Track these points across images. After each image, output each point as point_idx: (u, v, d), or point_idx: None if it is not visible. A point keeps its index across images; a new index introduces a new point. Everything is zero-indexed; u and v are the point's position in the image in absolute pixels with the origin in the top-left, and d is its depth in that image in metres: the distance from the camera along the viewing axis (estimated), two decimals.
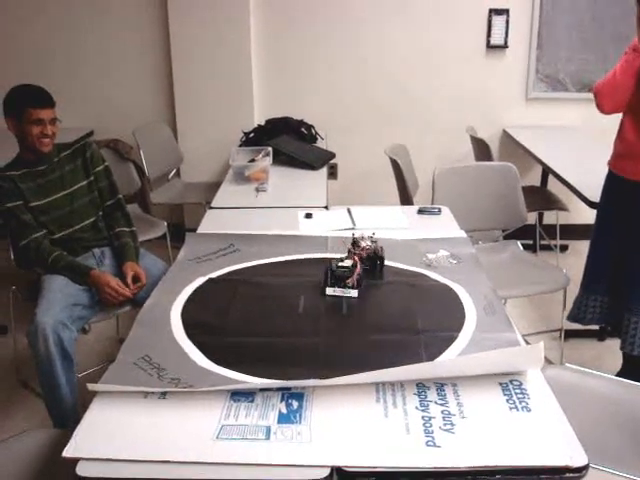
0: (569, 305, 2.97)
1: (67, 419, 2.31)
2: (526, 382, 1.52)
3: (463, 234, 2.44)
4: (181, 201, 4.21)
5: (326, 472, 1.24)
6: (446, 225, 2.58)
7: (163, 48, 4.30)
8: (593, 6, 4.22)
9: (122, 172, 3.72)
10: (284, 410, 1.41)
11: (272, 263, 2.16)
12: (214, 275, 2.06)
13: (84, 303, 2.44)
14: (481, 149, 3.95)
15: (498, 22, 4.21)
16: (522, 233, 3.47)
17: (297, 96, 4.41)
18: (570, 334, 3.26)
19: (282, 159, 3.45)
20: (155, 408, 1.42)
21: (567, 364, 2.18)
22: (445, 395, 1.47)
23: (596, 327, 3.34)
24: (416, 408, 1.42)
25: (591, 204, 2.91)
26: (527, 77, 4.40)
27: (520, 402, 1.44)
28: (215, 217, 2.69)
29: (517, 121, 4.48)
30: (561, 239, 4.39)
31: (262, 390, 1.47)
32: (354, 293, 1.89)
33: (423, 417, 1.39)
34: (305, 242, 2.31)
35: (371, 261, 2.06)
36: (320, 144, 3.96)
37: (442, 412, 1.41)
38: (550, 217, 4.46)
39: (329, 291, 1.90)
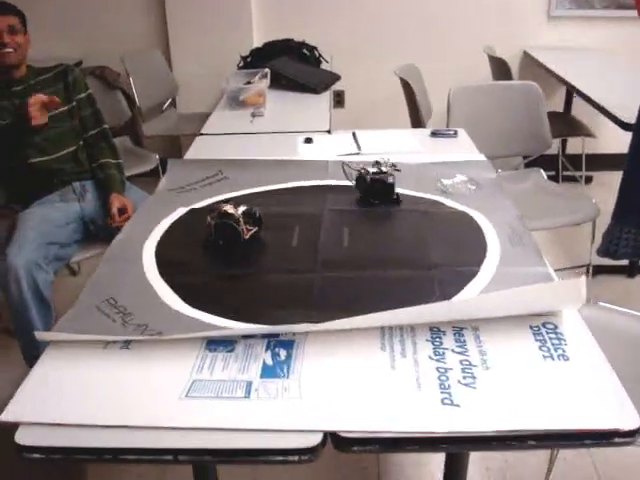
0: (598, 239, 2.69)
1: None
2: (561, 325, 1.26)
3: (482, 157, 2.16)
4: (176, 132, 3.93)
5: (318, 438, 0.99)
6: (463, 148, 2.30)
7: None
8: None
9: (110, 101, 3.45)
10: (269, 361, 1.16)
11: (264, 192, 1.88)
12: (197, 206, 1.80)
13: (61, 241, 2.22)
14: (500, 70, 3.61)
15: None
16: (543, 163, 3.19)
17: (300, 16, 4.06)
18: (597, 270, 2.99)
19: (282, 83, 3.15)
20: (115, 360, 1.18)
21: (600, 303, 1.94)
22: (464, 342, 1.21)
23: (626, 262, 3.08)
24: (429, 357, 1.17)
25: (625, 126, 2.59)
26: None
27: (556, 349, 1.18)
28: (204, 144, 2.42)
29: (538, 41, 4.13)
30: (585, 170, 4.09)
31: (244, 337, 1.22)
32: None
33: (438, 368, 1.14)
34: (302, 168, 2.04)
35: (377, 191, 1.79)
36: (325, 68, 3.63)
37: (461, 362, 1.15)
38: (573, 147, 4.15)
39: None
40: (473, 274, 1.42)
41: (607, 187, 4.16)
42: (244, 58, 3.63)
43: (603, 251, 2.63)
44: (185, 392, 1.08)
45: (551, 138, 2.86)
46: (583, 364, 1.14)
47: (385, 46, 4.13)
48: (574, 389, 1.08)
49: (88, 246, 2.33)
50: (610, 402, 1.04)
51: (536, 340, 1.21)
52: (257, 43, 4.00)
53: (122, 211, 2.29)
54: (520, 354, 1.18)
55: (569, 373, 1.12)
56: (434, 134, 2.41)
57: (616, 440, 1.00)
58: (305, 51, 3.57)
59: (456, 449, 1.04)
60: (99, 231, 2.37)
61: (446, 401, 1.06)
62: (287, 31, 3.93)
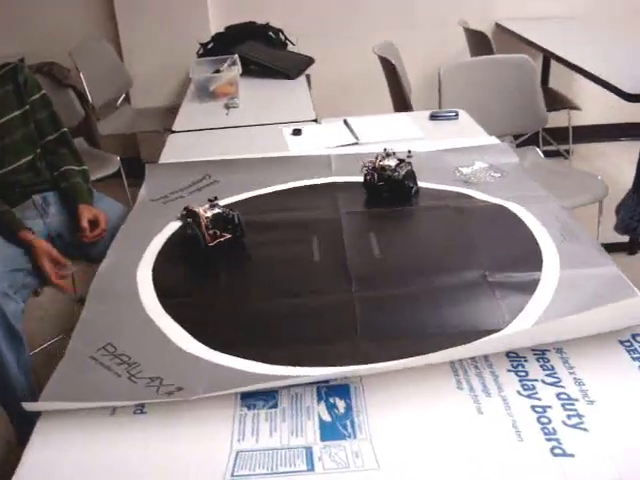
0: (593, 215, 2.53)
1: (24, 410, 1.85)
2: None
3: (495, 140, 1.95)
4: (134, 130, 3.62)
5: None
6: (469, 131, 2.09)
7: None
8: None
9: (61, 101, 3.11)
10: (326, 417, 0.93)
11: (265, 195, 1.64)
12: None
13: (28, 268, 1.93)
14: (479, 44, 3.42)
15: None
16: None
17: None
18: None
19: (250, 69, 2.89)
20: (129, 431, 0.94)
21: None
22: (553, 368, 1.00)
23: (627, 239, 2.94)
24: (519, 393, 0.96)
25: (629, 97, 2.43)
26: None
27: None
28: (179, 143, 2.16)
29: (510, 12, 3.93)
30: (562, 143, 3.95)
31: (287, 386, 0.99)
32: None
33: (534, 408, 0.93)
34: (301, 165, 1.80)
35: (391, 185, 1.56)
36: (291, 50, 3.38)
37: (558, 396, 0.95)
38: (553, 120, 3.99)
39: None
40: (535, 281, 1.21)
41: (588, 160, 4.04)
42: (204, 45, 3.34)
43: (623, 228, 2.45)
44: (230, 470, 0.85)
45: (546, 114, 2.69)
46: None
47: (352, 24, 3.87)
48: None
49: (57, 266, 2.04)
50: None
51: (633, 359, 1.02)
52: (214, 28, 3.70)
53: (93, 224, 2.01)
54: (621, 378, 0.99)
55: None
56: (433, 117, 2.20)
57: None
58: (271, 34, 3.30)
59: None
60: (67, 248, 2.08)
61: (556, 450, 0.85)
62: (245, 14, 3.65)
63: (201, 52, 3.34)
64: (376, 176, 1.56)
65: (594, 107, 3.89)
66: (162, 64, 3.74)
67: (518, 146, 2.91)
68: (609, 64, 2.88)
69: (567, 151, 3.89)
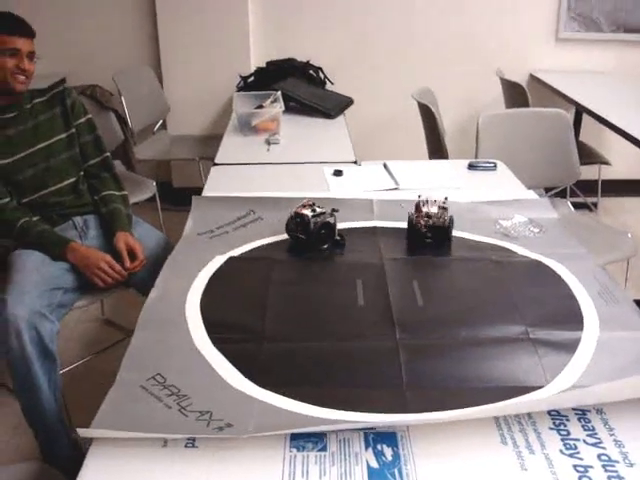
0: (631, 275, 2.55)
1: (50, 431, 1.88)
2: None
3: (534, 194, 1.99)
4: (169, 157, 3.69)
5: None
6: (506, 183, 2.13)
7: None
8: None
9: (102, 123, 3.17)
10: (374, 463, 0.96)
11: None
12: (235, 253, 1.58)
13: (66, 286, 1.96)
14: (514, 94, 3.47)
15: None
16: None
17: (301, 35, 3.84)
18: None
19: (291, 106, 2.95)
20: (181, 464, 0.96)
21: None
22: (594, 429, 1.03)
23: None
24: (561, 452, 0.98)
25: None
26: (558, 15, 3.89)
27: None
28: (222, 175, 2.21)
29: (546, 64, 3.99)
30: (589, 196, 3.97)
31: (335, 431, 1.01)
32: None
33: (576, 467, 0.95)
34: (345, 207, 1.83)
35: (435, 232, 1.60)
36: (330, 89, 3.44)
37: (599, 457, 0.97)
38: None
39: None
40: (576, 341, 1.24)
41: (613, 213, 4.06)
42: (245, 78, 3.42)
43: None
44: None
45: (579, 168, 2.72)
46: None
47: (391, 67, 3.95)
48: None
49: (93, 290, 2.08)
50: None
51: None
52: (255, 62, 3.78)
53: (130, 253, 2.05)
54: None
55: None
56: (472, 167, 2.24)
57: None
58: (311, 72, 3.37)
59: None
60: None
61: None
62: (287, 50, 3.74)
63: (241, 85, 3.41)
64: (422, 222, 1.60)
65: (623, 162, 3.93)
66: (200, 93, 3.83)
67: (549, 197, 2.93)
68: (637, 119, 2.92)
69: (594, 204, 3.91)
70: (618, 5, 3.91)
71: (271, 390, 1.10)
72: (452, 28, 3.89)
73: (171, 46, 3.77)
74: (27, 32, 2.00)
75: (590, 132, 3.90)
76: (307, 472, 0.94)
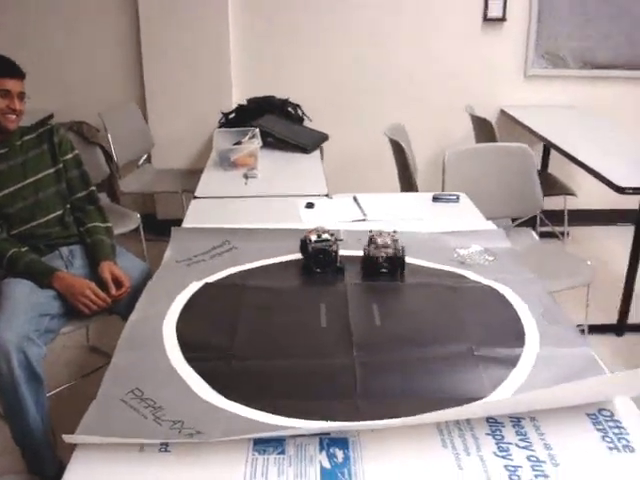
0: (592, 300, 2.69)
1: (38, 451, 1.99)
2: (617, 412, 1.21)
3: (492, 225, 2.13)
4: (153, 190, 3.82)
5: None
6: (467, 215, 2.28)
7: (130, 20, 3.87)
8: None
9: (88, 158, 3.26)
10: (327, 464, 1.07)
11: (280, 264, 1.81)
12: (211, 280, 1.71)
13: (53, 312, 2.08)
14: (483, 129, 3.64)
15: None
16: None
17: (280, 74, 4.02)
18: (590, 330, 2.98)
19: (269, 142, 3.10)
20: (156, 466, 1.08)
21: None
22: (526, 434, 1.15)
23: (613, 321, 3.09)
24: (494, 454, 1.10)
25: (618, 189, 2.62)
26: (526, 53, 4.10)
27: (619, 440, 1.14)
28: (201, 208, 2.34)
29: (515, 100, 4.18)
30: (558, 225, 4.13)
31: (293, 435, 1.13)
32: None
33: (507, 467, 1.07)
34: None
35: (390, 261, 1.73)
36: (307, 125, 3.61)
37: (529, 459, 1.09)
38: (547, 202, 4.19)
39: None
40: (516, 357, 1.37)
41: (582, 242, 4.22)
42: (226, 115, 3.58)
43: None
44: None
45: (542, 199, 2.88)
46: None
47: (365, 104, 4.13)
48: None
49: (78, 316, 2.18)
50: None
51: (597, 430, 1.16)
52: (236, 98, 3.95)
53: (115, 282, 2.17)
54: (585, 446, 1.13)
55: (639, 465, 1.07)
56: (436, 199, 2.39)
57: None
58: (290, 109, 3.54)
59: None
60: None
61: None
62: (266, 88, 3.91)
63: (223, 121, 3.57)
64: (380, 254, 1.73)
65: (590, 193, 4.09)
66: (184, 129, 3.98)
67: (515, 227, 3.08)
68: (603, 154, 3.09)
69: (562, 233, 4.07)
70: (583, 43, 4.11)
71: (237, 402, 1.22)
72: (424, 66, 4.08)
73: (156, 84, 3.93)
74: (18, 73, 2.13)
75: (559, 164, 4.08)
76: (267, 472, 1.06)
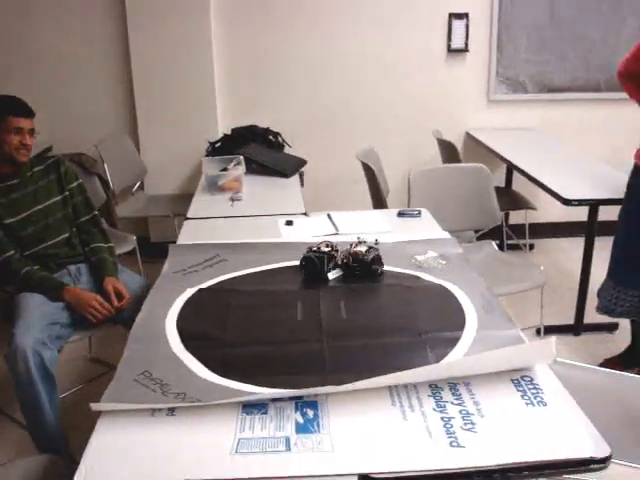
0: (546, 302, 3.00)
1: (52, 442, 2.23)
2: (536, 377, 1.51)
3: (447, 235, 2.44)
4: (147, 214, 4.12)
5: None
6: (427, 227, 2.58)
7: (123, 57, 4.20)
8: (550, 8, 4.30)
9: (88, 186, 3.55)
10: (300, 420, 1.36)
11: (262, 272, 2.11)
12: (204, 286, 2.00)
13: (62, 322, 2.36)
14: (448, 151, 3.97)
15: (458, 26, 4.25)
16: (488, 233, 3.51)
17: (261, 104, 4.35)
18: (547, 330, 3.28)
19: (253, 167, 3.41)
20: (165, 426, 1.36)
21: (557, 359, 2.19)
22: (460, 395, 1.44)
23: (570, 322, 3.40)
24: (433, 409, 1.39)
25: (566, 202, 2.95)
26: (488, 79, 4.45)
27: (535, 397, 1.43)
28: (193, 228, 2.63)
29: (479, 123, 4.52)
30: (523, 238, 4.46)
31: (273, 400, 1.42)
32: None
33: (442, 418, 1.36)
34: (291, 249, 2.27)
35: (362, 266, 2.03)
36: (287, 151, 3.92)
37: (460, 412, 1.38)
38: (515, 217, 4.53)
39: (331, 275, 2.00)
40: (457, 338, 1.67)
41: (546, 253, 4.54)
42: (213, 144, 3.88)
43: (602, 308, 2.92)
44: (234, 449, 1.28)
45: (499, 213, 3.19)
46: (559, 408, 1.39)
47: (340, 129, 4.46)
48: (554, 428, 1.33)
49: (87, 326, 2.46)
50: (585, 436, 1.29)
51: (518, 390, 1.46)
52: (221, 128, 4.27)
53: (117, 294, 2.45)
54: (507, 402, 1.42)
55: (548, 415, 1.37)
56: (400, 214, 2.69)
57: (592, 466, 1.24)
58: (271, 137, 3.85)
59: None
60: None
61: (454, 443, 1.28)
62: (249, 117, 4.24)
63: (210, 149, 3.87)
64: (351, 259, 2.04)
65: (552, 207, 4.42)
66: (173, 157, 4.29)
67: (479, 239, 3.39)
68: (557, 172, 3.41)
69: (525, 245, 4.39)
70: (541, 69, 4.46)
71: (229, 378, 1.51)
72: (394, 94, 4.42)
73: (147, 117, 4.24)
74: (29, 113, 2.43)
75: (521, 182, 4.40)
76: (253, 427, 1.34)
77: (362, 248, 2.06)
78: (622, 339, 3.25)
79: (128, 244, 3.42)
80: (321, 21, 4.28)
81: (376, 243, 2.12)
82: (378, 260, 2.05)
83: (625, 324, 3.24)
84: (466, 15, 4.26)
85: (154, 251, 3.93)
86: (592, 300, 3.25)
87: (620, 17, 4.34)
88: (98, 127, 4.23)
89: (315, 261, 1.99)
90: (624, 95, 3.03)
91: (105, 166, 3.73)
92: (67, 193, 2.61)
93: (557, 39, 4.37)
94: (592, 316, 3.30)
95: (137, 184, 4.23)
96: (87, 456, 1.27)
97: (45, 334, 2.23)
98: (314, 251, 2.02)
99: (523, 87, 4.50)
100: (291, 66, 4.35)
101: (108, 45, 4.20)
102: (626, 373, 2.19)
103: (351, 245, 2.08)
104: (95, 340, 3.18)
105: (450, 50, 4.35)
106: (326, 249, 2.02)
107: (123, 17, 4.06)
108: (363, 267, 2.03)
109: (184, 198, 4.01)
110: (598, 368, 2.31)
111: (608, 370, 2.24)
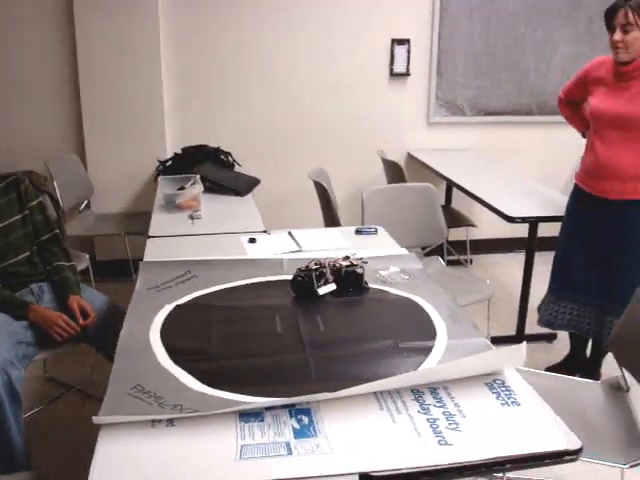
0: (492, 314, 3.17)
1: (17, 461, 2.22)
2: (507, 380, 1.64)
3: (405, 251, 2.57)
4: (97, 232, 4.09)
5: (355, 479, 1.29)
6: (385, 243, 2.70)
7: (70, 75, 4.19)
8: (486, 36, 4.56)
9: None
10: (297, 426, 1.44)
11: (236, 287, 2.18)
12: (181, 302, 2.05)
13: (27, 340, 2.36)
14: (393, 170, 4.13)
15: (400, 51, 4.45)
16: (431, 250, 3.69)
17: (210, 124, 4.42)
18: (492, 341, 3.44)
19: (207, 186, 3.46)
20: (166, 436, 1.41)
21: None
22: (441, 398, 1.56)
23: (513, 333, 3.58)
24: (419, 412, 1.50)
25: (508, 219, 3.13)
26: (428, 103, 4.66)
27: (508, 398, 1.56)
28: (157, 246, 2.66)
29: (420, 144, 4.72)
30: (464, 254, 4.66)
31: (268, 409, 1.50)
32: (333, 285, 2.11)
33: (428, 419, 1.47)
34: (261, 266, 2.35)
35: (343, 281, 2.13)
36: (238, 170, 4.00)
37: (444, 413, 1.49)
38: (454, 234, 4.73)
39: (321, 291, 2.08)
40: (430, 347, 1.78)
41: (485, 268, 4.76)
42: (163, 163, 3.91)
43: (544, 322, 3.11)
44: (238, 455, 1.34)
45: (446, 230, 3.35)
46: (531, 407, 1.53)
47: (288, 149, 4.57)
48: (530, 425, 1.46)
49: (51, 344, 2.45)
50: (557, 432, 1.42)
51: (492, 392, 1.58)
52: (170, 147, 4.30)
53: (82, 312, 2.46)
54: (485, 404, 1.54)
55: (523, 414, 1.50)
56: (358, 232, 2.81)
57: (566, 458, 1.38)
58: (222, 157, 3.92)
59: (458, 476, 1.36)
60: None
61: (442, 442, 1.39)
62: (198, 137, 4.29)
63: (160, 168, 3.90)
64: (343, 272, 2.13)
65: (489, 224, 4.65)
66: (121, 176, 4.30)
67: (426, 255, 3.55)
68: (496, 190, 3.61)
69: (466, 260, 4.60)
70: (478, 93, 4.71)
71: (221, 390, 1.57)
72: (340, 115, 4.58)
73: (95, 135, 4.23)
74: None
75: (460, 200, 4.62)
76: (253, 434, 1.41)
77: (344, 263, 2.16)
78: (561, 348, 3.46)
79: (81, 263, 3.41)
80: (269, 45, 4.39)
81: (364, 261, 2.23)
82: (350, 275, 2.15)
83: (563, 334, 3.45)
84: (408, 41, 4.46)
85: (101, 270, 3.93)
86: (531, 311, 3.46)
87: (551, 46, 4.64)
88: (45, 145, 4.20)
89: (305, 279, 2.06)
90: (555, 118, 3.26)
91: (55, 184, 3.71)
92: (27, 212, 2.61)
93: (493, 65, 4.63)
94: (531, 327, 3.51)
95: (85, 202, 4.20)
96: (95, 468, 1.31)
97: (12, 353, 2.23)
98: (303, 270, 2.10)
99: (461, 110, 4.73)
100: (239, 87, 4.43)
101: (55, 64, 4.18)
102: (571, 377, 2.37)
103: (336, 259, 2.17)
104: (50, 360, 3.15)
105: (392, 74, 4.54)
106: (315, 267, 2.10)
107: (72, 32, 4.05)
108: (356, 281, 2.13)
109: (134, 216, 4.04)
110: (546, 373, 2.49)
111: (555, 374, 2.42)
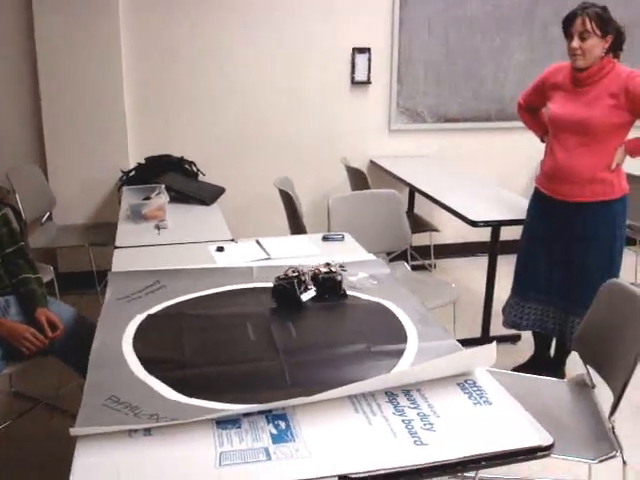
0: (458, 316, 3.23)
1: None
2: (478, 380, 1.68)
3: (372, 257, 2.60)
4: (61, 244, 4.04)
5: None
6: (352, 249, 2.73)
7: (31, 85, 4.13)
8: (446, 45, 4.65)
9: None
10: (274, 431, 1.46)
11: (207, 296, 2.18)
12: (152, 311, 2.05)
13: None
14: (357, 177, 4.17)
15: (361, 60, 4.50)
16: (395, 256, 3.74)
17: (172, 134, 4.41)
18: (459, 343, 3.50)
19: (173, 196, 3.45)
20: (144, 446, 1.41)
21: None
22: (415, 399, 1.59)
23: (478, 335, 3.64)
24: (393, 414, 1.53)
25: (472, 223, 3.19)
26: (389, 110, 4.72)
27: (480, 397, 1.60)
28: (124, 256, 2.65)
29: (382, 151, 4.78)
30: (427, 258, 4.73)
31: (245, 415, 1.51)
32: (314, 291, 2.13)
33: (403, 421, 1.50)
34: (230, 274, 2.36)
35: (320, 287, 2.15)
36: (202, 179, 3.99)
37: (418, 414, 1.52)
38: (418, 239, 4.79)
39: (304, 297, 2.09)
40: (402, 350, 1.82)
41: (448, 272, 4.83)
42: (126, 173, 3.89)
43: (510, 323, 3.16)
44: (218, 462, 1.35)
45: (410, 235, 3.40)
46: (502, 405, 1.57)
47: (250, 158, 4.58)
48: (503, 423, 1.49)
49: (19, 358, 2.42)
50: (529, 429, 1.46)
51: (464, 393, 1.62)
52: (132, 157, 4.27)
53: (51, 326, 2.43)
54: (457, 403, 1.58)
55: (495, 412, 1.54)
56: (325, 238, 2.83)
57: (539, 454, 1.42)
58: (186, 166, 3.91)
59: (435, 475, 1.39)
60: None
61: (417, 442, 1.42)
62: (161, 147, 4.27)
63: (124, 178, 3.87)
64: (321, 279, 2.15)
65: (452, 229, 4.73)
66: (83, 187, 4.25)
67: (391, 260, 3.59)
68: (457, 195, 3.68)
69: (430, 265, 4.66)
70: (438, 100, 4.79)
71: (196, 398, 1.57)
72: (302, 124, 4.61)
73: (56, 146, 4.18)
74: None
75: (423, 205, 4.69)
76: (231, 440, 1.42)
77: (323, 269, 2.19)
78: (525, 349, 3.54)
79: (46, 275, 3.36)
80: (230, 53, 4.40)
81: (344, 269, 2.25)
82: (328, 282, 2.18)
83: (527, 336, 3.52)
84: (368, 50, 4.52)
85: (64, 282, 3.88)
86: (495, 313, 3.53)
87: (508, 54, 4.75)
88: (4, 156, 4.13)
89: (287, 286, 2.08)
90: (513, 124, 3.33)
91: (17, 196, 3.65)
92: None
93: (451, 73, 4.72)
94: (496, 329, 3.57)
95: (47, 214, 4.15)
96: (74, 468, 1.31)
97: None
98: (282, 279, 2.11)
99: (422, 117, 4.81)
100: (202, 96, 4.43)
101: (15, 73, 4.12)
102: (538, 376, 2.43)
103: (317, 267, 2.19)
104: (15, 374, 3.10)
105: (354, 82, 4.59)
106: (294, 274, 2.11)
107: (32, 40, 4.00)
108: (334, 287, 2.15)
109: (97, 227, 4.01)
110: (513, 372, 2.54)
111: (522, 374, 2.47)
